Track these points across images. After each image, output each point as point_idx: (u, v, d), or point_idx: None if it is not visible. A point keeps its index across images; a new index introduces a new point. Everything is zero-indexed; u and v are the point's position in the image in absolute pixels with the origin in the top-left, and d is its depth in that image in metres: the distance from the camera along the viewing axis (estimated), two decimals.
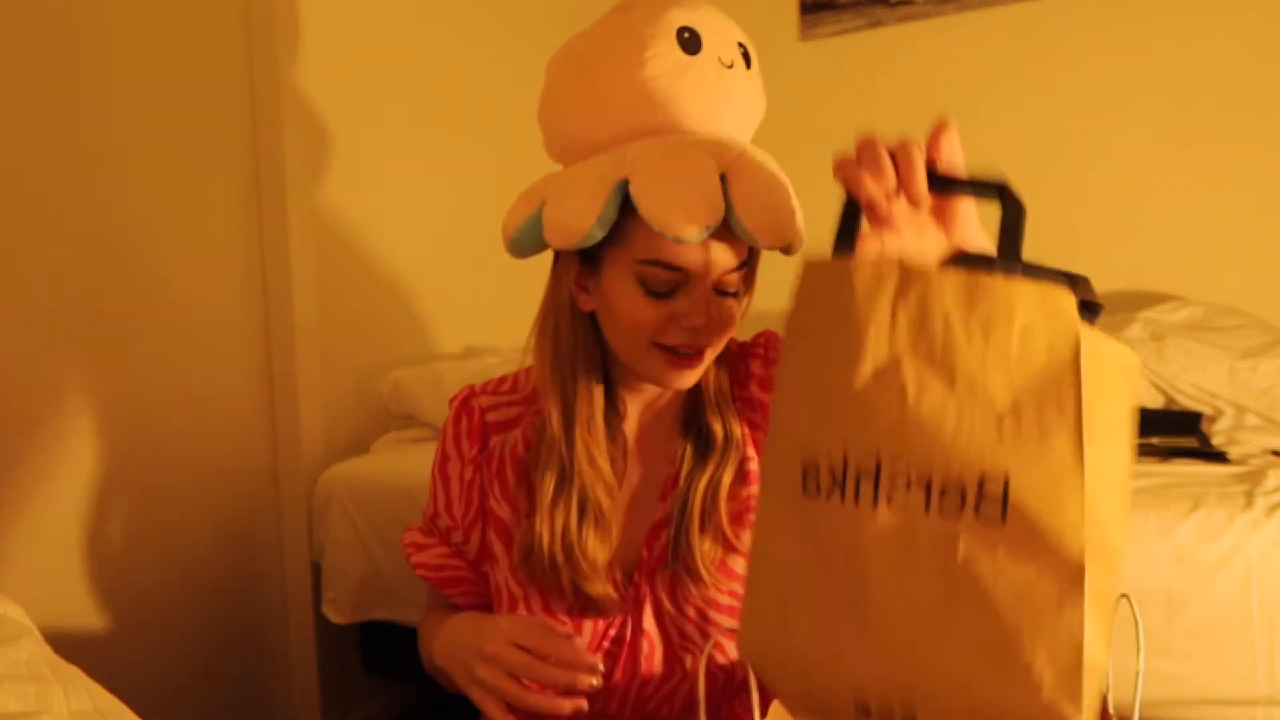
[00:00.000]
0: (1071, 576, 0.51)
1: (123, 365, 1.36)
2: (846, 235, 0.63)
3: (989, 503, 0.53)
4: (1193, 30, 1.91)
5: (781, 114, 2.38)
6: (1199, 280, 1.90)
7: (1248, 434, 1.41)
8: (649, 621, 0.86)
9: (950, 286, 0.56)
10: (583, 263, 0.86)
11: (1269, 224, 1.88)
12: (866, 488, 0.56)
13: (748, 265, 0.84)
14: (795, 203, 0.81)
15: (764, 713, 0.67)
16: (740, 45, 0.85)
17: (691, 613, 0.85)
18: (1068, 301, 0.54)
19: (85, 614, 1.31)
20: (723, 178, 0.77)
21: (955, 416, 0.54)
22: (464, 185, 1.97)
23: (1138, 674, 0.64)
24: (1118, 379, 0.56)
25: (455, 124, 1.99)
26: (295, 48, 1.59)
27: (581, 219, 0.80)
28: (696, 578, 0.85)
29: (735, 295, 0.84)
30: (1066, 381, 0.53)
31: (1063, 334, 0.53)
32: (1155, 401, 1.58)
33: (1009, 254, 0.58)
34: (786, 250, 0.84)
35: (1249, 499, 1.07)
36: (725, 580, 0.86)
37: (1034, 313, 0.54)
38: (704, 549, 0.85)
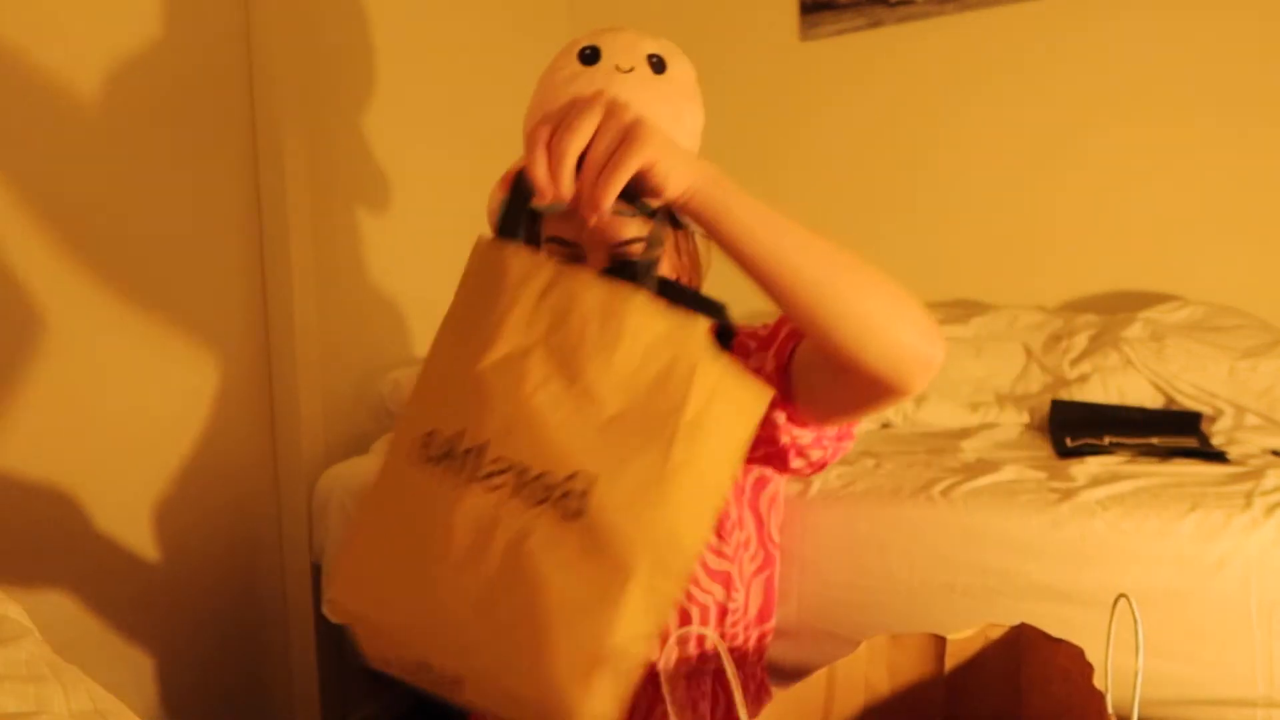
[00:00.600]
0: (621, 581, 0.55)
1: (123, 365, 1.36)
2: (512, 216, 0.66)
3: (571, 498, 0.57)
4: (1195, 30, 1.91)
5: (781, 114, 2.40)
6: (1199, 280, 1.90)
7: (1248, 434, 1.41)
8: None
9: (596, 293, 0.60)
10: (532, 247, 0.93)
11: (1269, 224, 1.88)
12: (469, 466, 0.59)
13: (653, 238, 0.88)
14: None
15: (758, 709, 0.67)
16: (652, 56, 0.92)
17: None
18: (699, 333, 0.60)
19: (85, 614, 1.31)
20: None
21: (566, 413, 0.59)
22: (464, 185, 1.97)
23: (1136, 673, 0.65)
24: (735, 413, 0.61)
25: (455, 124, 1.99)
26: (296, 50, 1.59)
27: (494, 205, 0.92)
28: None
29: None
30: (673, 405, 0.58)
31: (684, 362, 0.59)
32: (1155, 401, 1.58)
33: (673, 296, 0.63)
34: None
35: (1248, 499, 1.07)
36: None
37: (663, 336, 0.59)
38: None
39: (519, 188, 0.66)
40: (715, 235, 0.69)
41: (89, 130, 1.31)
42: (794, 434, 0.89)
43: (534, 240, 0.95)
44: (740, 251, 0.68)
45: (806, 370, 0.83)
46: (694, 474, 0.58)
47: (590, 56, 0.92)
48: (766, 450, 0.91)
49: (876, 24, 2.17)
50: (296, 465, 1.58)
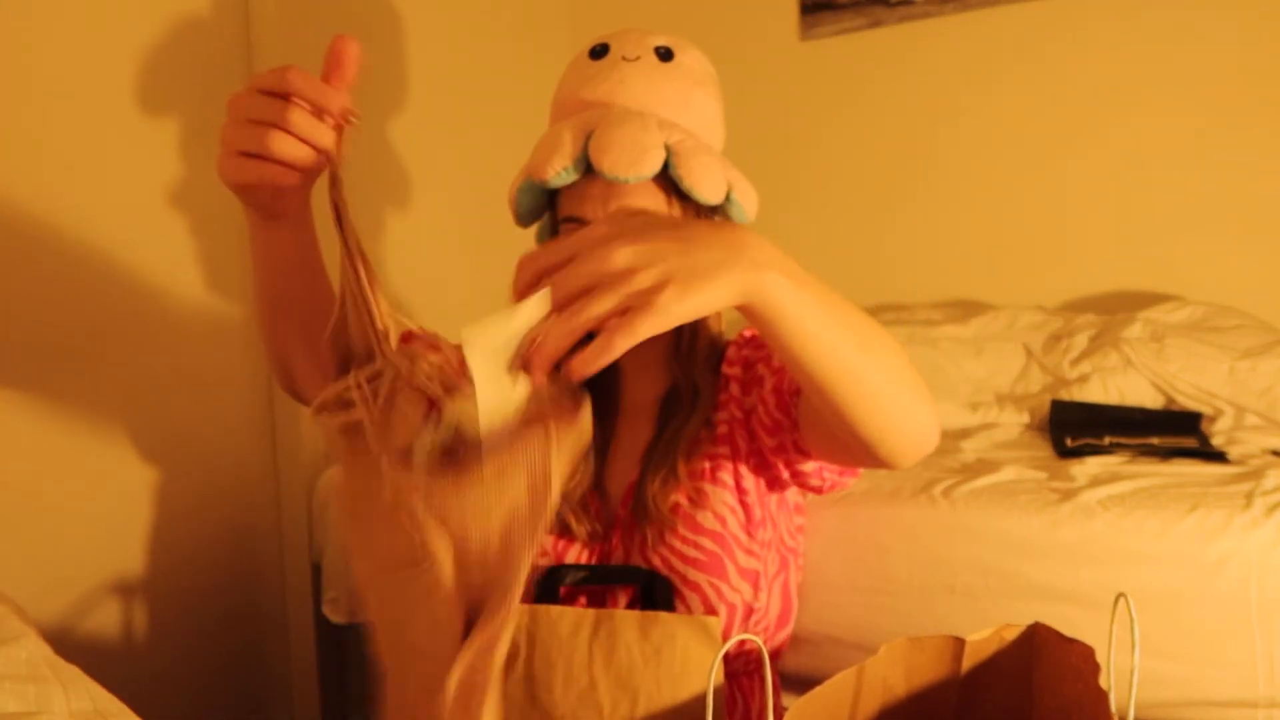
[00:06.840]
0: None
1: (122, 365, 1.36)
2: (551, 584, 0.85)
3: None
4: (1194, 30, 1.91)
5: (781, 114, 2.40)
6: (1199, 280, 1.90)
7: (1248, 434, 1.41)
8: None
9: (632, 621, 0.78)
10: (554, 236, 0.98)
11: (1269, 224, 1.88)
12: None
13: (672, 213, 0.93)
14: (657, 138, 0.89)
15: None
16: (660, 47, 0.97)
17: (658, 562, 0.89)
18: (712, 625, 0.79)
19: (85, 614, 1.31)
20: (591, 134, 0.90)
21: None
22: (465, 185, 1.97)
23: (1132, 671, 0.65)
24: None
25: (456, 122, 1.99)
26: (296, 48, 1.58)
27: (511, 192, 0.97)
28: (658, 529, 0.90)
29: None
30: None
31: (711, 653, 0.77)
32: (1155, 401, 1.58)
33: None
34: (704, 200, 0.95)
35: (1249, 499, 1.07)
36: (690, 533, 0.89)
37: (691, 636, 0.78)
38: (661, 498, 0.91)
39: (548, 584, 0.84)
40: (768, 339, 0.63)
41: (86, 128, 1.31)
42: (794, 463, 0.90)
43: (554, 225, 1.00)
44: (789, 356, 0.64)
45: (810, 418, 0.83)
46: None
47: (599, 52, 0.97)
48: (768, 470, 0.92)
49: (876, 24, 2.17)
50: (296, 465, 1.57)
